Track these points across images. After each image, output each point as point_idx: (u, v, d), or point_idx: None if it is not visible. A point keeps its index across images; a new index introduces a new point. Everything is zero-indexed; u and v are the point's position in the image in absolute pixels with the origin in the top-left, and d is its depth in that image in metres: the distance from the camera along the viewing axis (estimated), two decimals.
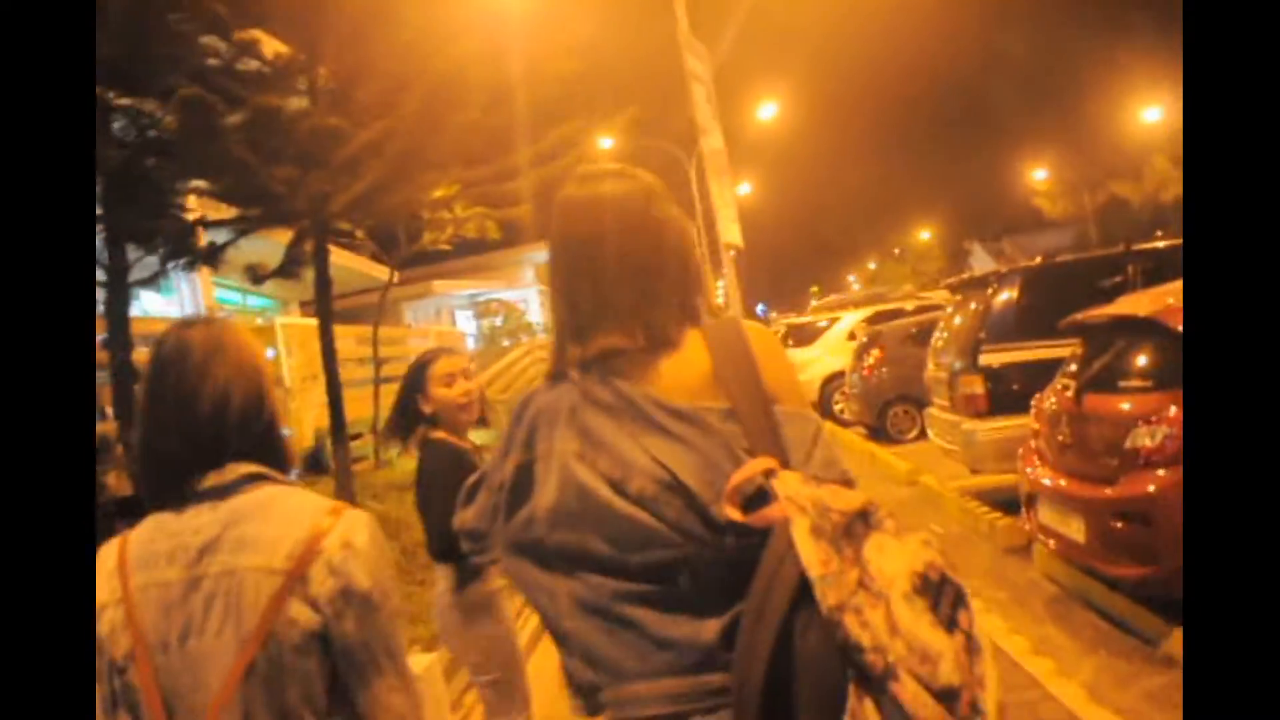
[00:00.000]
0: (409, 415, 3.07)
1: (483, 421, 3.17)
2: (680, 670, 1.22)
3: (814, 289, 69.15)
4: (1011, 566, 5.52)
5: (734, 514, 1.17)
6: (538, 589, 1.32)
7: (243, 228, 7.38)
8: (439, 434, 3.02)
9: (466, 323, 33.54)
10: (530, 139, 7.13)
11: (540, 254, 34.59)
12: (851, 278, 70.54)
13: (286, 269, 8.11)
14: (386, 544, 1.43)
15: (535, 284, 35.15)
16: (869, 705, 1.07)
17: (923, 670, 1.07)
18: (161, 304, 15.39)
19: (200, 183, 7.02)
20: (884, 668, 1.06)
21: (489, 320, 29.84)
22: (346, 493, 8.05)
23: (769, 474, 1.19)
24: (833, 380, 14.11)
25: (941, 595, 1.18)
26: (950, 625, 1.15)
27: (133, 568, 1.35)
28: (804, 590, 1.11)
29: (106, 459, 6.78)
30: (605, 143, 17.78)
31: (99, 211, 6.44)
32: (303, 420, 11.77)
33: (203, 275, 14.53)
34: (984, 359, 6.52)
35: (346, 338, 15.86)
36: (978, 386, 6.49)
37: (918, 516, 7.13)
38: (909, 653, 1.08)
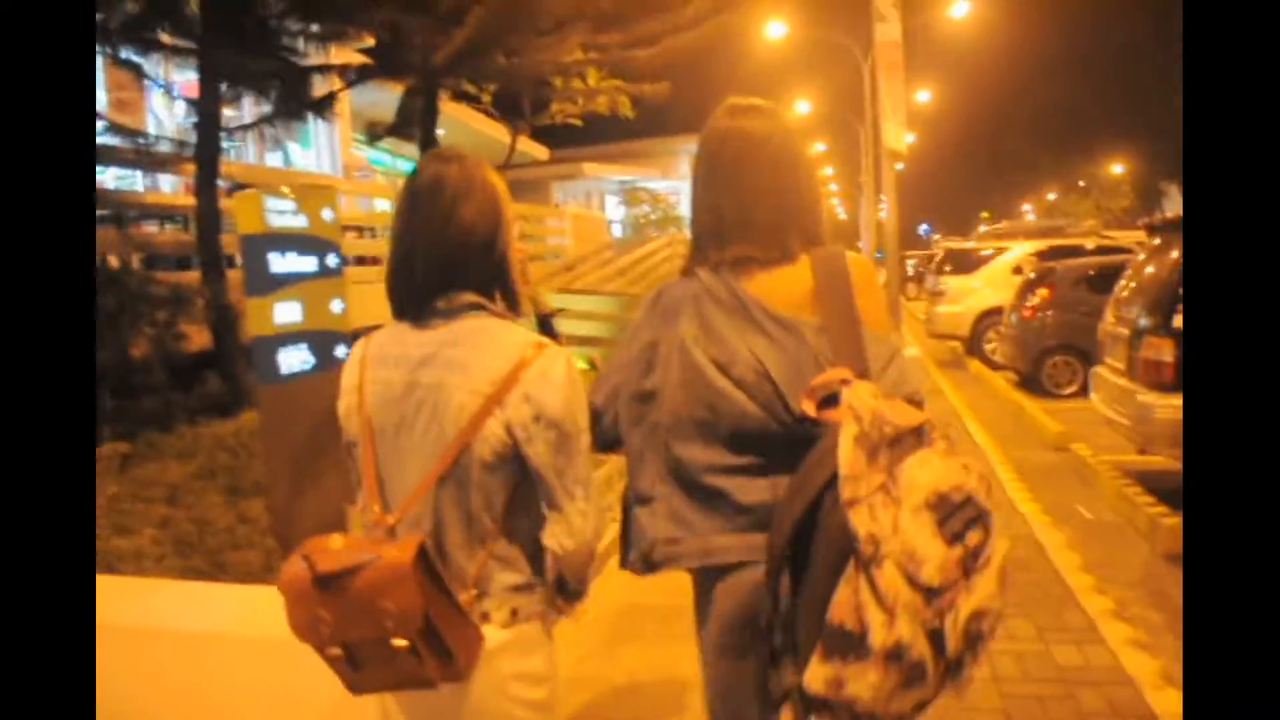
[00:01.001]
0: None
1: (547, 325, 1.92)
2: (748, 528, 1.63)
3: (985, 214, 65.09)
4: (1172, 578, 4.47)
5: (809, 409, 1.54)
6: (643, 457, 1.69)
7: (350, 78, 6.82)
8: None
9: (615, 209, 33.00)
10: (665, 4, 6.21)
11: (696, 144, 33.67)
12: (1027, 207, 65.91)
13: (400, 127, 7.55)
14: (581, 379, 1.55)
15: (689, 177, 33.96)
16: (862, 578, 1.40)
17: (909, 566, 1.38)
18: (300, 156, 15.37)
19: (309, 25, 6.46)
20: (873, 555, 1.39)
21: (637, 208, 29.25)
22: None
23: (844, 383, 1.52)
24: (989, 316, 12.74)
25: (957, 513, 1.42)
26: (954, 539, 1.40)
27: (370, 363, 1.60)
28: (834, 479, 1.44)
29: (190, 309, 6.50)
30: (774, 30, 16.37)
31: (194, 47, 5.98)
32: None
33: (342, 131, 14.33)
34: (1180, 320, 5.30)
35: None
36: (1166, 352, 5.29)
37: (1060, 491, 6.08)
38: (901, 550, 1.38)
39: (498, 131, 21.47)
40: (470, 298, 1.57)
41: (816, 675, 1.44)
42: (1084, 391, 9.97)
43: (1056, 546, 4.83)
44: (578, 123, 9.47)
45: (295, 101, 6.92)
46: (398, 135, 7.73)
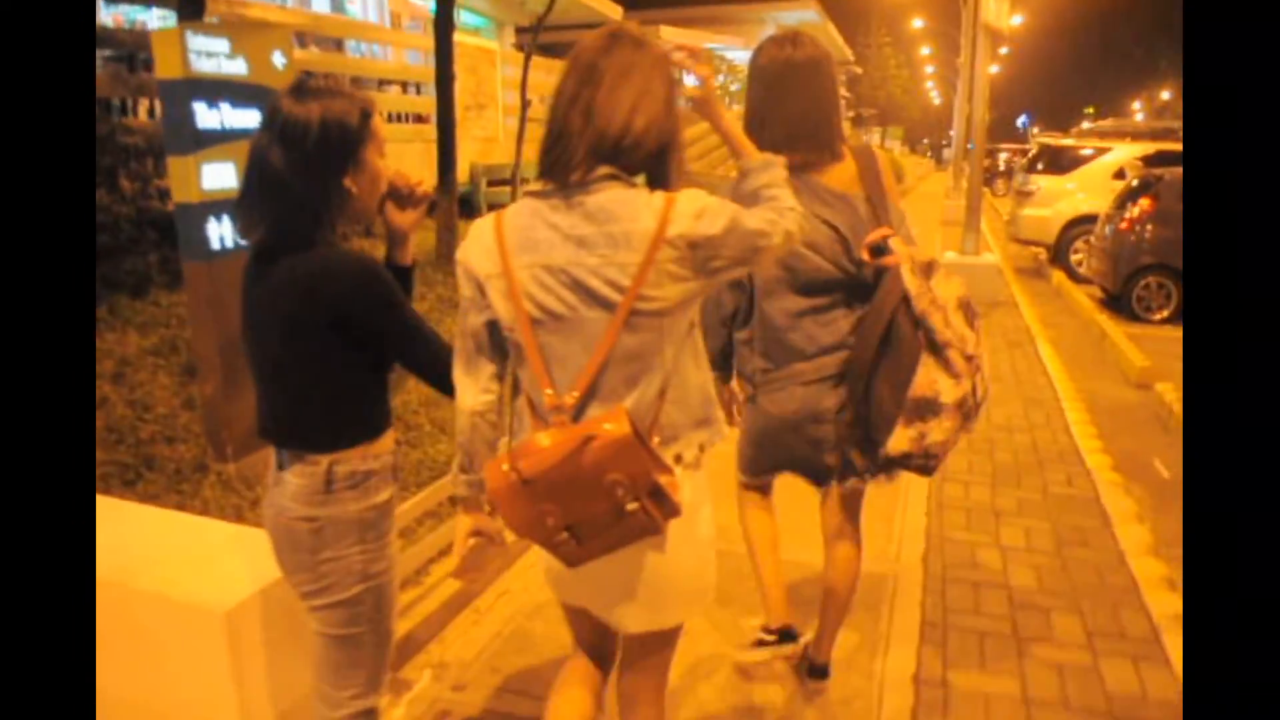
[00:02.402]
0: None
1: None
2: (826, 351, 2.36)
3: (1089, 110, 60.93)
4: None
5: (867, 256, 2.28)
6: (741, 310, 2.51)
7: None
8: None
9: (688, 77, 31.32)
10: None
11: (785, 13, 31.74)
12: (1137, 104, 61.45)
13: None
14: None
15: None
16: (934, 360, 2.20)
17: (961, 346, 2.20)
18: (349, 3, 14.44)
19: None
20: (944, 342, 2.19)
21: (721, 78, 27.70)
22: (446, 246, 6.97)
23: (887, 237, 2.26)
24: (1079, 224, 11.53)
25: (969, 310, 2.26)
26: (972, 326, 2.25)
27: (513, 249, 1.59)
28: (903, 301, 2.22)
29: None
30: None
31: None
32: (460, 155, 10.72)
33: None
34: None
35: (539, 69, 14.48)
36: None
37: (1137, 439, 5.25)
38: (954, 336, 2.20)
39: None
40: (607, 169, 1.57)
41: (902, 438, 2.21)
42: (1177, 318, 8.94)
43: (1124, 517, 4.07)
44: None
45: None
46: None
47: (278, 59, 3.63)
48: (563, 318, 1.58)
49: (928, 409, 2.18)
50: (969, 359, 2.19)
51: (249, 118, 3.50)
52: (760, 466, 2.62)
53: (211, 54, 3.35)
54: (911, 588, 3.42)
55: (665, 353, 1.59)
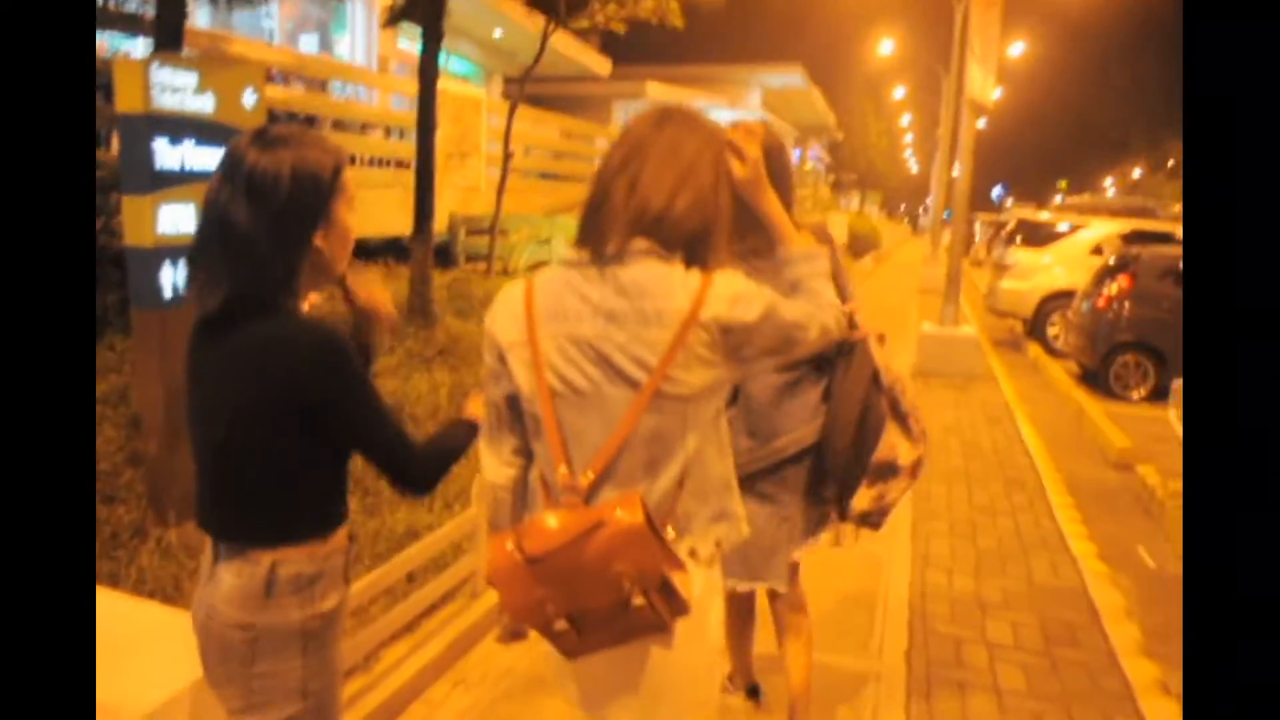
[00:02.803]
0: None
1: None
2: (803, 423, 2.43)
3: (1062, 184, 62.23)
4: None
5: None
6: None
7: None
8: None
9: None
10: None
11: (771, 76, 32.21)
12: (1109, 181, 62.86)
13: (407, 12, 6.57)
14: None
15: (760, 110, 32.60)
16: (895, 427, 2.42)
17: (916, 412, 2.46)
18: (338, 44, 14.38)
19: None
20: (907, 410, 2.44)
21: None
22: (419, 298, 6.78)
23: (853, 311, 2.23)
24: (1055, 299, 11.56)
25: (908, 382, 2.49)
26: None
27: (541, 317, 1.53)
28: (874, 373, 2.41)
29: None
30: None
31: None
32: (440, 203, 10.59)
33: (381, 20, 13.26)
34: None
35: (523, 120, 14.45)
36: None
37: (1120, 524, 5.10)
38: (911, 405, 2.45)
39: (570, 48, 20.35)
40: (645, 244, 1.51)
41: (865, 498, 2.43)
42: (1155, 397, 8.86)
43: (1113, 612, 3.89)
44: (620, 28, 8.37)
45: None
46: (407, 20, 6.73)
47: (248, 97, 3.46)
48: (584, 393, 1.51)
49: (888, 471, 2.43)
50: (918, 424, 2.47)
51: (213, 158, 3.32)
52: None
53: (176, 89, 3.17)
54: (895, 690, 3.21)
55: (687, 439, 1.52)
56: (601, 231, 1.52)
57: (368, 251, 9.08)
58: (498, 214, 9.63)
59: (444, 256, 10.13)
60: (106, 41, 9.56)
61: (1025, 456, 6.47)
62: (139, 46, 9.22)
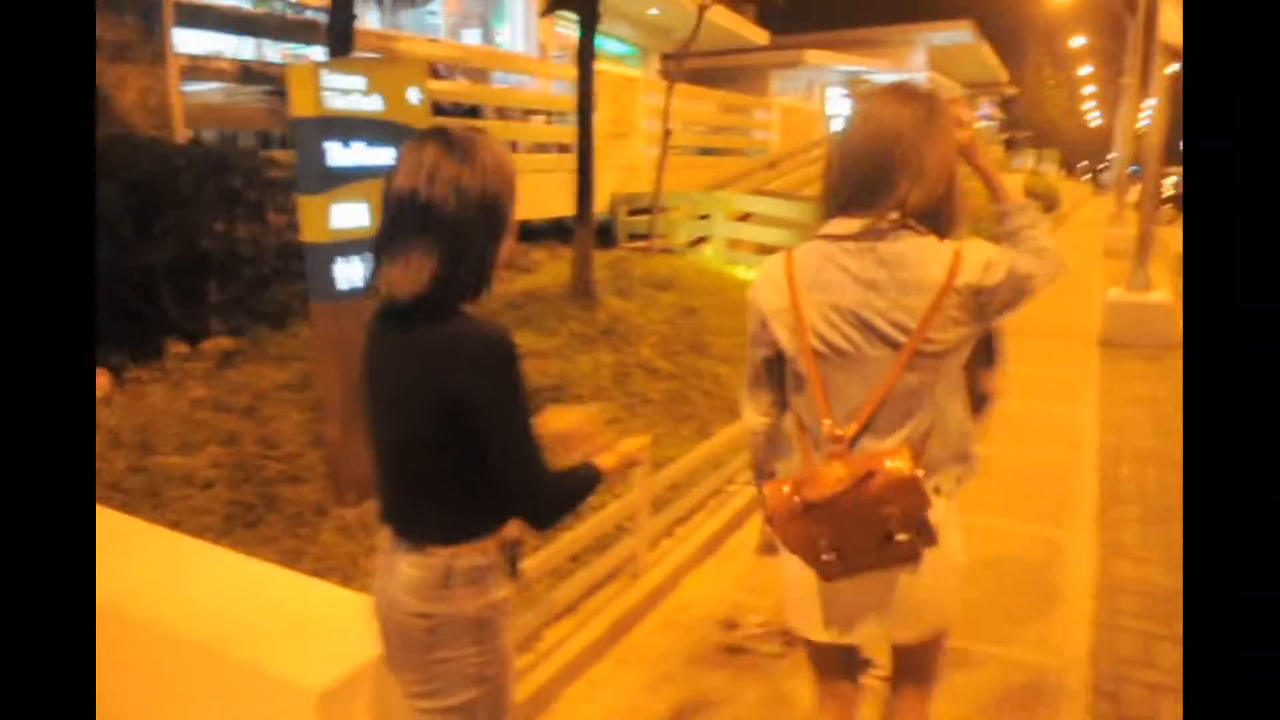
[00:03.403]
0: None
1: None
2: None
3: None
4: None
5: None
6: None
7: None
8: None
9: (838, 102, 30.77)
10: None
11: (938, 34, 30.78)
12: None
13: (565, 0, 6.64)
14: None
15: (925, 69, 31.23)
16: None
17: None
18: (501, 35, 14.71)
19: None
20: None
21: None
22: (582, 279, 6.88)
23: None
24: None
25: None
26: None
27: (803, 287, 1.72)
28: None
29: None
30: None
31: None
32: (600, 184, 10.71)
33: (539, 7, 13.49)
34: None
35: (680, 96, 14.40)
36: None
37: None
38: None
39: (727, 20, 20.13)
40: (896, 216, 1.67)
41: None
42: None
43: None
44: None
45: None
46: (563, 9, 6.81)
47: (413, 95, 3.58)
48: (846, 354, 1.71)
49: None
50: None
51: (384, 155, 3.46)
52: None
53: (347, 91, 3.32)
54: (1077, 688, 3.01)
55: (937, 391, 1.72)
56: (859, 204, 1.70)
57: (533, 233, 9.31)
58: (658, 192, 9.64)
59: (606, 236, 10.25)
60: (289, 50, 10.19)
61: None
62: (316, 53, 9.78)
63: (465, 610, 1.62)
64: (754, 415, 1.90)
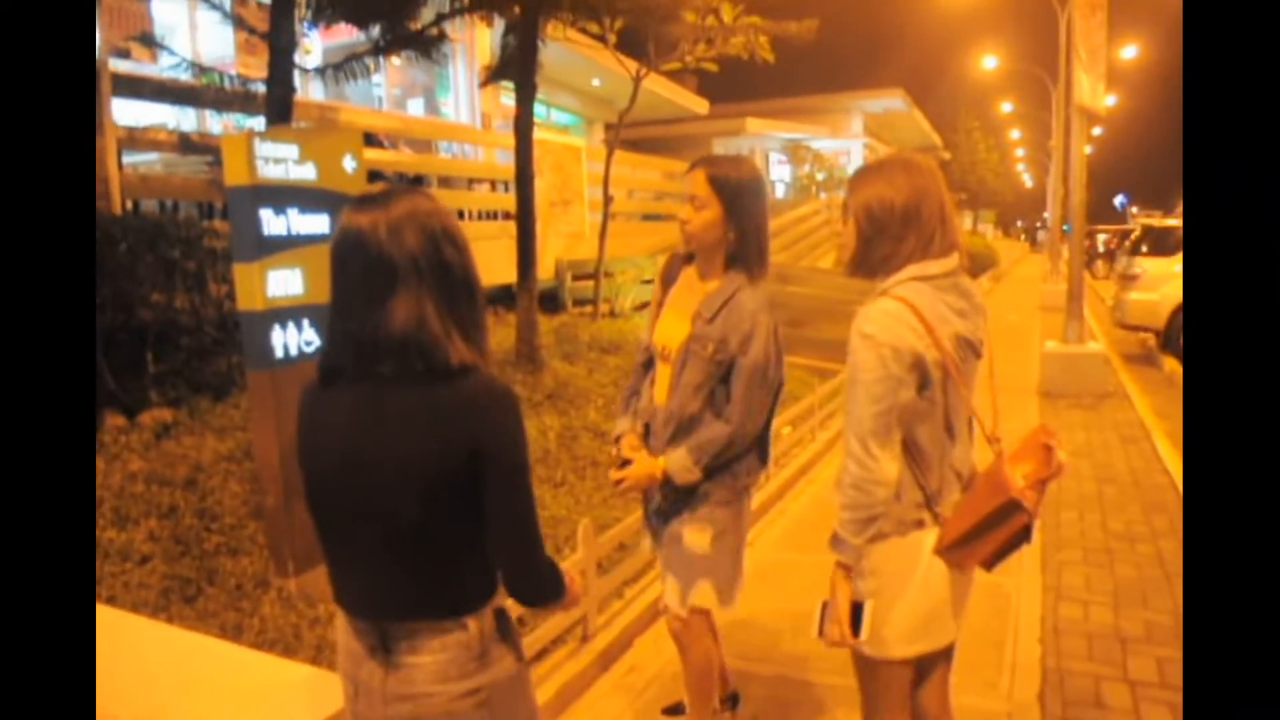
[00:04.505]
0: None
1: None
2: None
3: None
4: None
5: None
6: None
7: (448, 11, 6.08)
8: None
9: (778, 168, 31.48)
10: None
11: (871, 102, 31.76)
12: None
13: (501, 70, 6.77)
14: None
15: (862, 136, 32.16)
16: None
17: None
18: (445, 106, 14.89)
19: None
20: None
21: (806, 168, 27.68)
22: (526, 344, 6.88)
23: None
24: None
25: None
26: None
27: (933, 323, 1.92)
28: None
29: None
30: None
31: None
32: (544, 250, 10.76)
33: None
34: None
35: (623, 164, 14.63)
36: None
37: None
38: None
39: (666, 89, 20.59)
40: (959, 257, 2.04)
41: None
42: None
43: None
44: (713, 67, 8.39)
45: (392, 35, 6.25)
46: (501, 80, 6.93)
47: (348, 163, 3.61)
48: (964, 372, 2.00)
49: None
50: None
51: (318, 223, 3.46)
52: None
53: (280, 160, 3.33)
54: None
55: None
56: (940, 248, 1.98)
57: None
58: (601, 258, 9.73)
59: (552, 302, 10.29)
60: (232, 121, 10.19)
61: (1165, 476, 6.06)
62: (259, 123, 9.81)
63: (509, 670, 1.54)
64: (891, 462, 1.92)
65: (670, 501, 2.57)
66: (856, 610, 1.96)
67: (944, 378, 1.94)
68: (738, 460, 2.52)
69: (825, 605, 2.00)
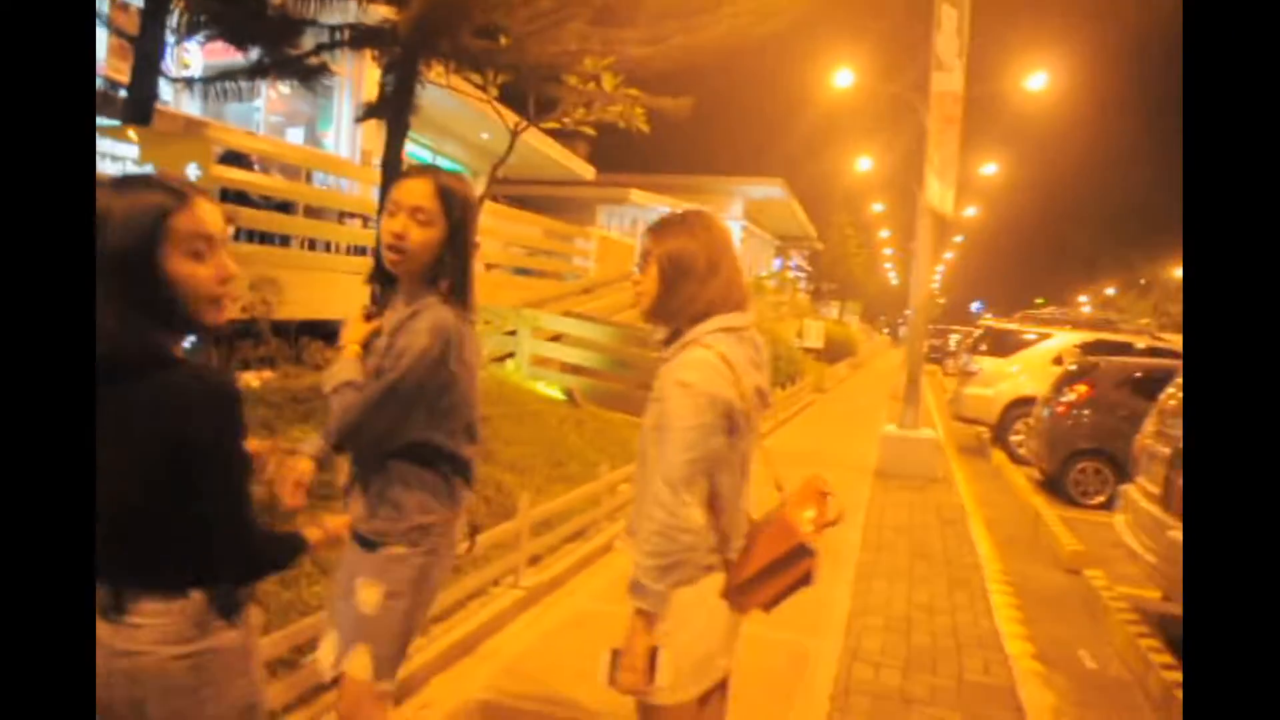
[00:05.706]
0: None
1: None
2: None
3: (1040, 300, 63.49)
4: None
5: None
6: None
7: (329, 42, 6.10)
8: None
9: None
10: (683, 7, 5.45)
11: (753, 188, 33.06)
12: (1084, 299, 64.28)
13: (381, 106, 6.79)
14: None
15: (742, 219, 33.32)
16: None
17: None
18: (326, 138, 14.75)
19: None
20: None
21: None
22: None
23: None
24: (1019, 406, 11.69)
25: None
26: None
27: (740, 374, 2.01)
28: None
29: None
30: (841, 80, 15.59)
31: None
32: None
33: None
34: None
35: (505, 218, 14.72)
36: None
37: (1063, 627, 5.06)
38: None
39: (556, 152, 20.90)
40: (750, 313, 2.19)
41: None
42: (1112, 503, 8.92)
43: (1040, 711, 3.83)
44: (590, 131, 8.65)
45: (270, 59, 6.21)
46: (377, 117, 6.95)
47: (192, 170, 3.57)
48: (754, 425, 2.09)
49: None
50: None
51: None
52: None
53: (118, 158, 3.28)
54: None
55: None
56: (734, 304, 2.08)
57: (335, 333, 9.14)
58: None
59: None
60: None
61: (973, 556, 6.44)
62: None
63: (229, 642, 1.61)
64: (698, 509, 1.97)
65: (355, 533, 2.21)
66: (653, 656, 1.96)
67: (745, 426, 2.02)
68: (403, 490, 2.16)
69: (616, 653, 1.99)
